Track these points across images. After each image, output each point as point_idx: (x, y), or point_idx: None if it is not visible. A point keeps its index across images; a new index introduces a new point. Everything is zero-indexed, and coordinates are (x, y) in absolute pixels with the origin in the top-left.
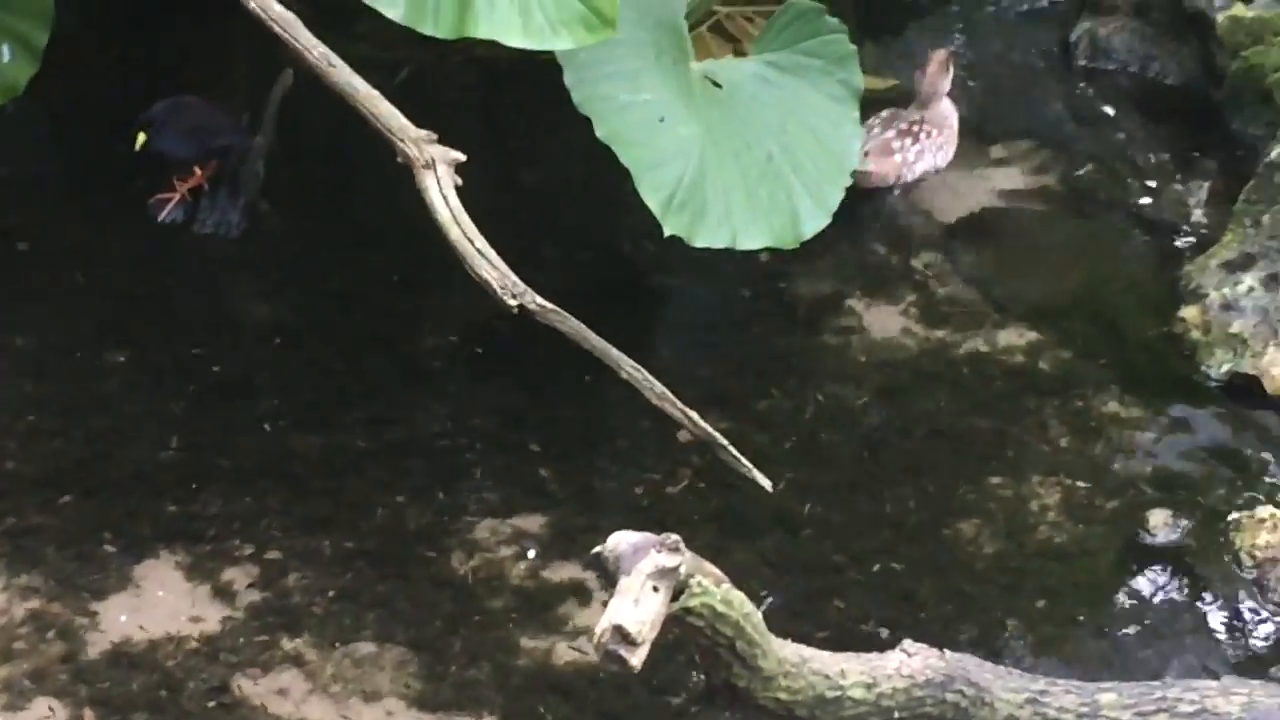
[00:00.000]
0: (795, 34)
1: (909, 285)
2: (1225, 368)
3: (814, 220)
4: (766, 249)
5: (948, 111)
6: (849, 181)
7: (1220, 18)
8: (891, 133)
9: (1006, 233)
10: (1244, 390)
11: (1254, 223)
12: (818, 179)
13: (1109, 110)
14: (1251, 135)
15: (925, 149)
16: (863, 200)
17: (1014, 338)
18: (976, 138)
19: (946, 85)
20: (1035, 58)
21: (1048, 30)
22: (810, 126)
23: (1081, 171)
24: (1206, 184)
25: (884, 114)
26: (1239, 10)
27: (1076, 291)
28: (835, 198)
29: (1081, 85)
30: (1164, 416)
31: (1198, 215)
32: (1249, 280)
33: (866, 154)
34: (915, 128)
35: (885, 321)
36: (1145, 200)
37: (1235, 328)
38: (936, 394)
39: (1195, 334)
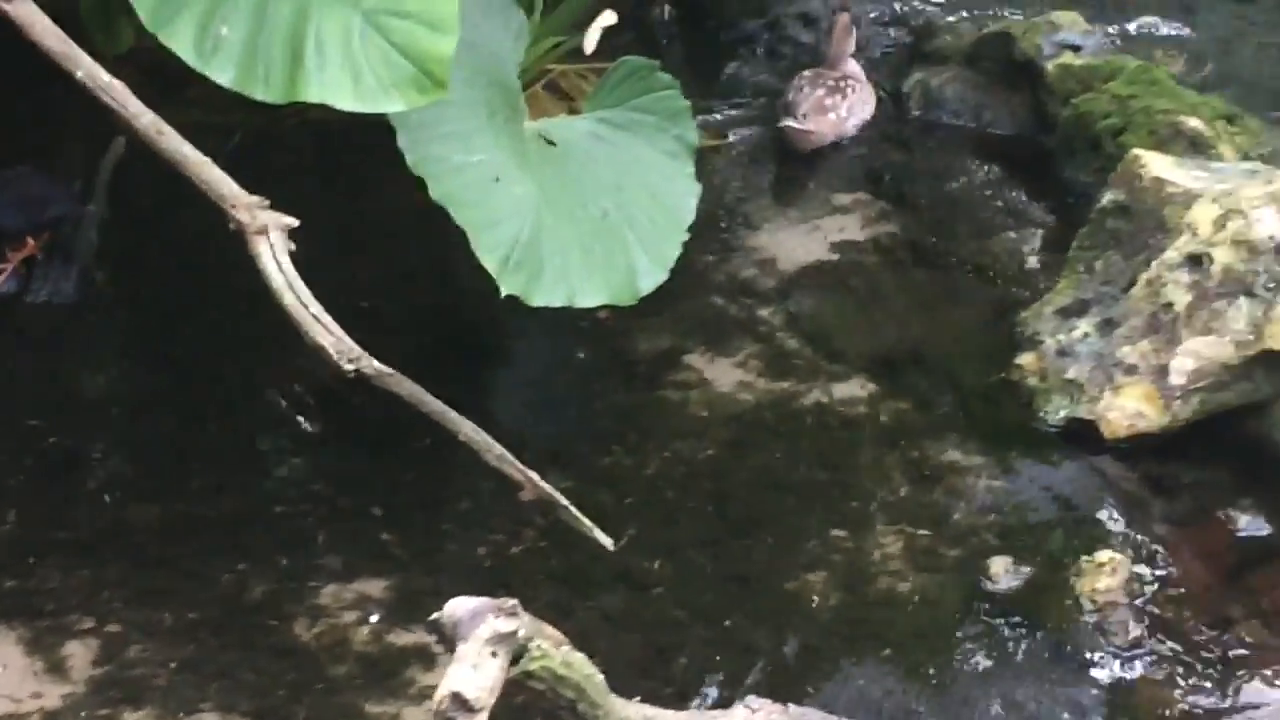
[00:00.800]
0: (628, 91)
1: (749, 338)
2: (1062, 413)
3: (651, 276)
4: (605, 306)
5: (856, 68)
6: (686, 236)
7: (1050, 66)
8: (822, 90)
9: (845, 284)
10: (1081, 435)
11: (1087, 269)
12: (654, 235)
13: (943, 160)
14: (1083, 182)
15: (854, 104)
16: (805, 161)
17: (854, 389)
18: (812, 189)
19: (851, 46)
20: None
21: (881, 81)
22: (646, 183)
23: (918, 222)
24: (1040, 231)
25: (806, 74)
26: (1068, 59)
27: (915, 341)
28: (672, 253)
29: (915, 135)
30: (1003, 463)
31: (1032, 262)
32: (1084, 326)
33: (805, 115)
34: (841, 84)
35: (726, 375)
36: (980, 249)
37: (1071, 373)
38: (778, 447)
39: (1032, 381)
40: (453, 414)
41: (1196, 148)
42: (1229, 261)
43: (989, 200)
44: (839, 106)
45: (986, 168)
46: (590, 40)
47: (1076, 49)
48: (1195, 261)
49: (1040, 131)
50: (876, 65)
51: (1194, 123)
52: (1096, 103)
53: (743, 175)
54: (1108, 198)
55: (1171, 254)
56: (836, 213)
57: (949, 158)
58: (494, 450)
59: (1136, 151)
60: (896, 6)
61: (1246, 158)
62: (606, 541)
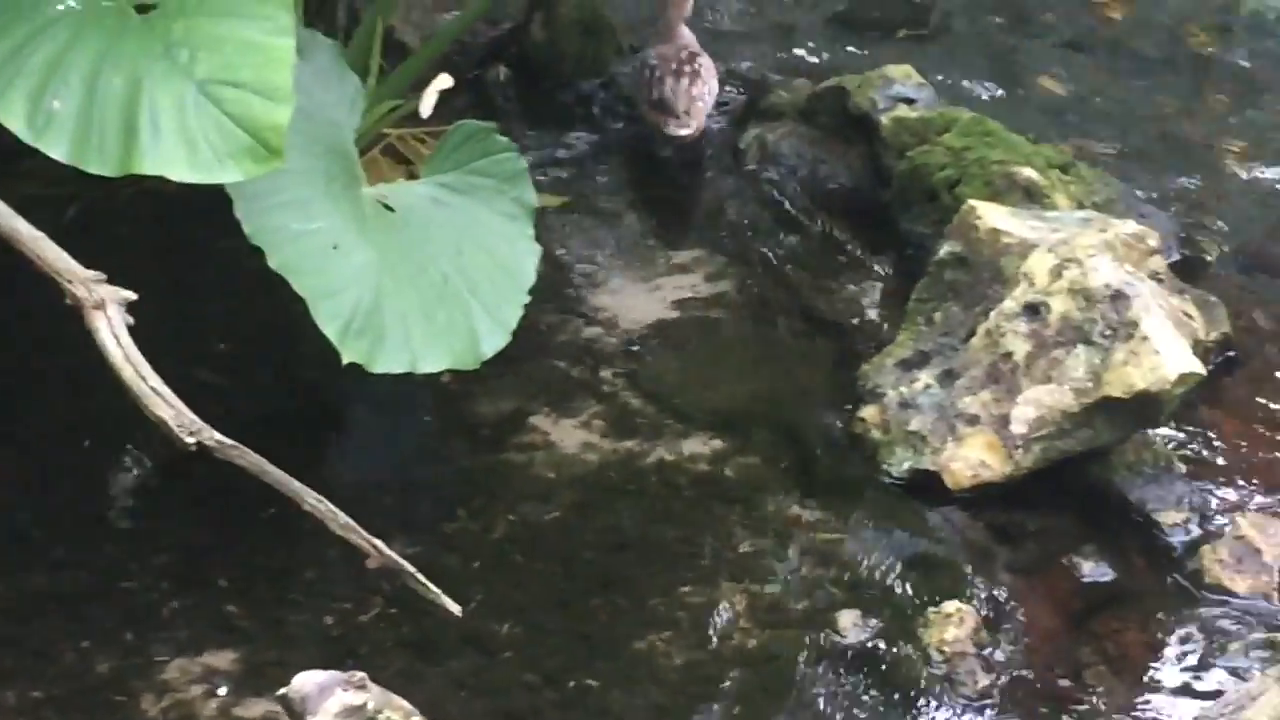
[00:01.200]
0: (466, 154)
1: (592, 398)
2: (906, 465)
3: (494, 340)
4: (448, 370)
5: (691, 37)
6: (527, 298)
7: (885, 119)
8: (685, 81)
9: (687, 341)
10: (926, 486)
11: (927, 320)
12: (496, 298)
13: (781, 215)
14: (920, 234)
15: (711, 86)
16: (645, 217)
17: (698, 445)
18: (652, 246)
19: (687, 10)
20: (706, 163)
21: (717, 137)
22: (486, 246)
23: (758, 277)
24: (879, 284)
25: (655, 61)
26: (903, 111)
27: (758, 397)
28: (514, 316)
29: (753, 190)
30: (849, 517)
31: (872, 315)
32: (925, 378)
33: (687, 114)
34: (692, 67)
35: (570, 436)
36: (821, 303)
37: (914, 425)
38: (624, 506)
39: (875, 433)
40: (296, 484)
41: (1031, 197)
42: (1066, 310)
43: (828, 254)
44: (703, 94)
45: (824, 222)
46: (427, 104)
47: (910, 102)
48: (1033, 311)
49: (877, 185)
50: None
51: (1028, 172)
52: (931, 155)
53: (582, 235)
54: (945, 249)
55: (1009, 304)
56: (676, 270)
57: (787, 212)
58: (339, 519)
59: (972, 203)
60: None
61: (1081, 206)
62: (454, 607)
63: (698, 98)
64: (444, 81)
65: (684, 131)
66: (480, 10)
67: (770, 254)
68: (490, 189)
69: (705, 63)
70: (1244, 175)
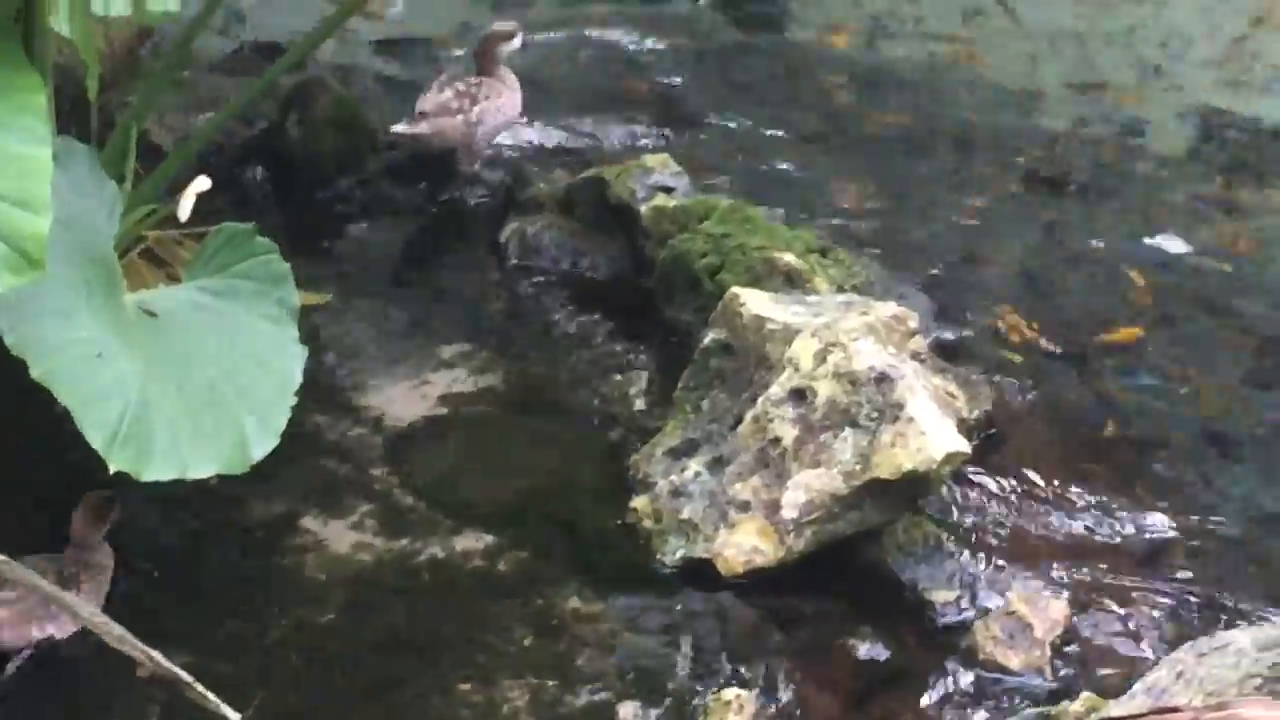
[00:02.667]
0: (228, 257)
1: (363, 498)
2: (680, 554)
3: (262, 443)
4: (217, 475)
5: (505, 74)
6: (294, 400)
7: (644, 209)
8: (449, 93)
9: (457, 437)
10: (700, 574)
11: (694, 408)
12: (263, 401)
13: (544, 307)
14: (685, 321)
15: (488, 109)
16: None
17: (472, 541)
18: (418, 343)
19: (504, 55)
20: (467, 258)
21: (477, 230)
22: (251, 349)
23: (524, 370)
24: (645, 373)
25: (442, 77)
26: (661, 200)
27: (530, 491)
28: (282, 419)
29: (516, 284)
30: (625, 608)
31: (640, 404)
32: (695, 465)
33: (424, 114)
34: (475, 88)
35: (342, 537)
36: (588, 394)
37: (686, 513)
38: (399, 605)
39: (648, 523)
40: (68, 597)
41: (792, 282)
42: (832, 394)
43: (593, 345)
44: (468, 110)
45: (588, 313)
46: (184, 207)
47: (669, 190)
48: (799, 396)
49: (639, 274)
50: (473, 216)
51: (788, 258)
52: (692, 242)
53: (346, 333)
54: (710, 337)
55: (776, 389)
56: (442, 366)
57: (550, 305)
58: (113, 631)
59: (735, 290)
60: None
61: (841, 289)
62: (233, 716)
63: (457, 110)
64: (201, 183)
65: (399, 128)
66: (234, 111)
67: (535, 347)
68: (253, 291)
69: (500, 90)
70: (991, 255)
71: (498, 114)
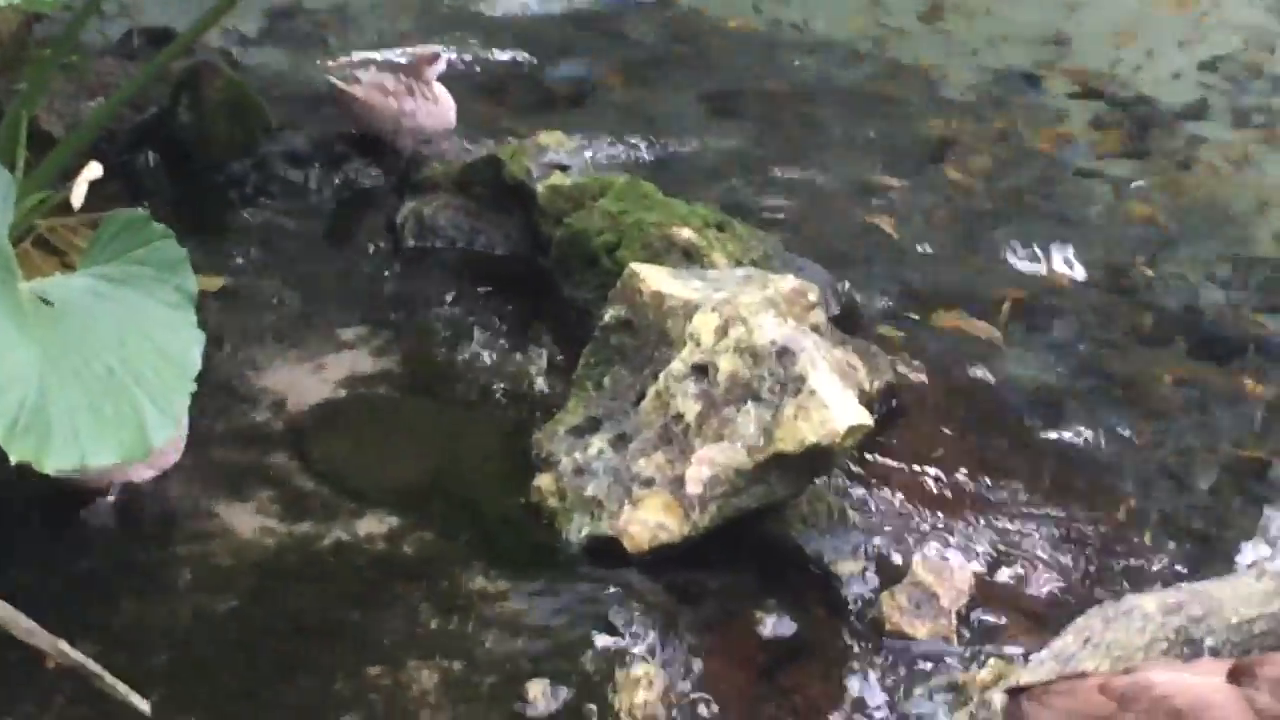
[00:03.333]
0: (124, 244)
1: (265, 484)
2: (584, 532)
3: (162, 430)
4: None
5: (439, 89)
6: (194, 386)
7: (540, 187)
8: (389, 78)
9: (357, 420)
10: (606, 552)
11: (596, 385)
12: (162, 388)
13: (443, 288)
14: (583, 299)
15: (420, 108)
16: (306, 297)
17: (375, 524)
18: (315, 325)
19: (432, 75)
20: (363, 240)
21: (372, 212)
22: (149, 336)
23: (423, 351)
24: (545, 351)
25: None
26: (558, 179)
27: (432, 472)
28: (182, 405)
29: (413, 265)
30: (531, 587)
31: (541, 383)
32: (598, 443)
33: (358, 81)
34: (411, 88)
35: (245, 522)
36: (489, 373)
37: (590, 491)
38: (304, 590)
39: (552, 501)
40: None
41: (690, 258)
42: (734, 369)
43: (493, 324)
44: (402, 99)
45: (487, 293)
46: (77, 194)
47: (565, 168)
48: (701, 371)
49: (537, 252)
50: (368, 197)
51: (686, 233)
52: (589, 220)
53: (244, 317)
54: (610, 314)
55: (677, 365)
56: (342, 348)
57: (449, 285)
58: (20, 624)
59: (634, 266)
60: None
61: (739, 263)
62: (141, 704)
63: (392, 93)
64: (93, 170)
65: (335, 80)
66: (125, 97)
67: (434, 328)
68: (150, 278)
69: (431, 100)
70: (887, 227)
71: (429, 116)
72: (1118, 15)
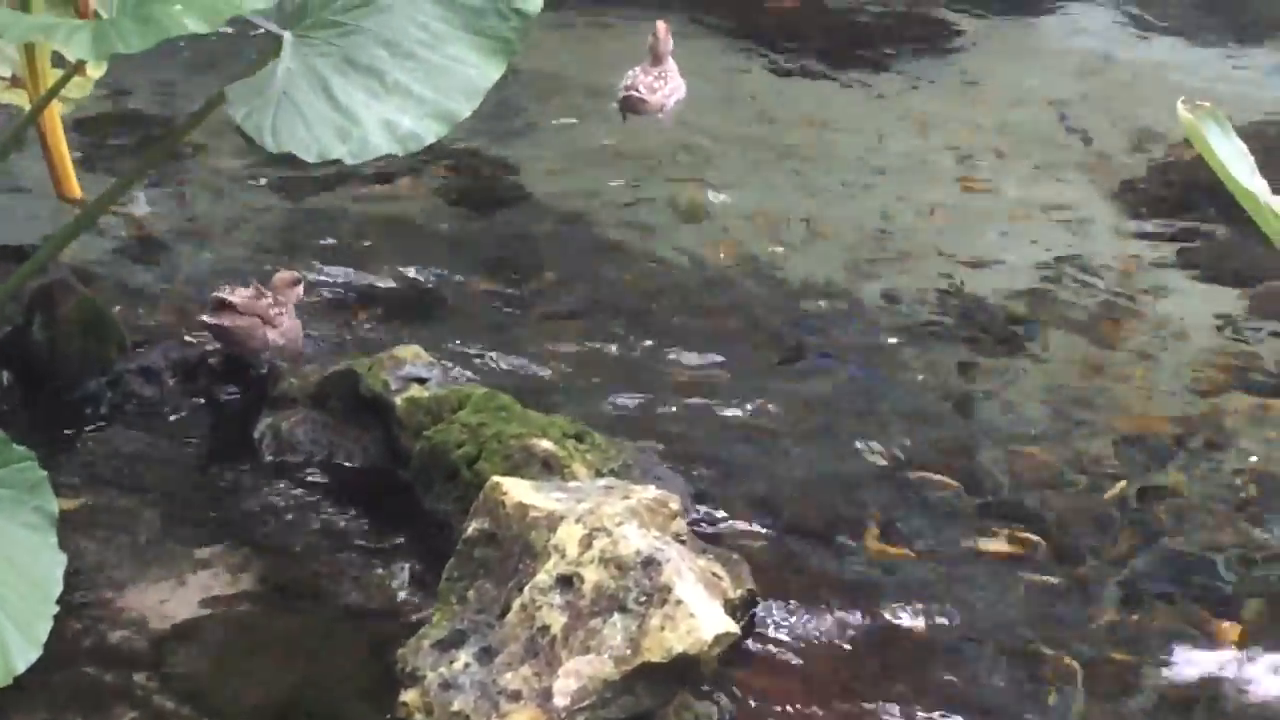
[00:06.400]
0: None
1: (126, 704)
2: None
3: (25, 655)
4: None
5: (673, 65)
6: (56, 609)
7: (399, 400)
8: (650, 77)
9: (218, 637)
10: None
11: (460, 599)
12: (24, 612)
13: (302, 503)
14: (444, 511)
15: (670, 90)
16: (165, 515)
17: None
18: (172, 545)
19: (670, 46)
20: (221, 456)
21: (230, 427)
22: (11, 559)
23: (283, 567)
24: (408, 565)
25: (636, 70)
26: (416, 391)
27: (296, 689)
28: (44, 629)
29: (272, 480)
30: None
31: (404, 597)
32: (464, 656)
33: (639, 88)
34: (659, 80)
35: None
36: (350, 589)
37: (457, 706)
38: None
39: (419, 717)
40: None
41: (550, 469)
42: (599, 580)
43: (353, 539)
44: (663, 90)
45: (347, 506)
46: None
47: (423, 381)
48: (566, 582)
49: (397, 465)
50: (225, 413)
51: (545, 444)
52: (448, 433)
53: (102, 537)
54: (473, 526)
55: (542, 577)
56: (200, 567)
57: (308, 499)
58: None
59: (496, 479)
60: None
61: (599, 474)
62: None
63: (658, 90)
64: None
65: (638, 95)
66: None
67: (293, 543)
68: (10, 500)
69: (671, 80)
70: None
71: (676, 93)
72: None
